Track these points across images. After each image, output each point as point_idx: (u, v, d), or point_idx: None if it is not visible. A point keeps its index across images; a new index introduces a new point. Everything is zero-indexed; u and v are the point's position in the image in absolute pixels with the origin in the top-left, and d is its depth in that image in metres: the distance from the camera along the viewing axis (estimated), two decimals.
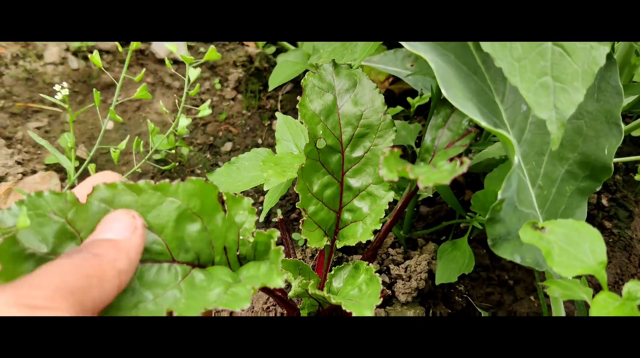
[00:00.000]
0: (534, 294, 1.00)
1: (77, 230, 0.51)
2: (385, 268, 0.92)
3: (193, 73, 0.80)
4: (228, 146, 1.24)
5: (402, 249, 0.95)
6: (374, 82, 0.68)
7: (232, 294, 0.53)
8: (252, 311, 0.87)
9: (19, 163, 1.08)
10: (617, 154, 1.10)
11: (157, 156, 1.17)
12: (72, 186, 1.05)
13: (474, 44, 0.55)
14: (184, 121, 0.74)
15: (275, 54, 1.39)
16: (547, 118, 0.46)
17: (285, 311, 0.81)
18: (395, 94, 1.28)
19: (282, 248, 0.56)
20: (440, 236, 1.04)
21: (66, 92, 0.75)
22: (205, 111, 0.74)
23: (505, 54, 0.48)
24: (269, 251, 0.59)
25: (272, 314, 0.85)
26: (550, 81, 0.47)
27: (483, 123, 0.46)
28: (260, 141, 1.25)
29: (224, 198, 0.59)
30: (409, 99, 1.07)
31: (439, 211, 1.06)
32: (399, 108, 1.09)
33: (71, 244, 0.51)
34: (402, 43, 0.51)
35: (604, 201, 1.12)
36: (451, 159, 0.48)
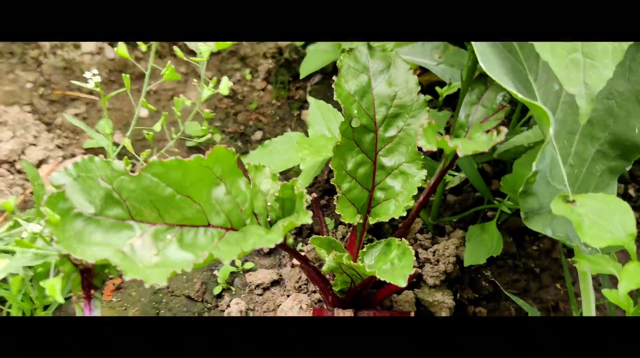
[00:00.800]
0: (560, 282, 1.01)
1: (123, 198, 0.54)
2: (414, 251, 0.94)
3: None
4: (258, 134, 1.27)
5: (430, 235, 0.97)
6: None
7: (266, 239, 0.56)
8: (285, 290, 0.89)
9: (59, 147, 1.12)
10: None
11: (190, 144, 1.21)
12: None
13: None
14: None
15: (304, 46, 1.41)
16: (577, 93, 0.48)
17: (317, 288, 0.83)
18: (424, 85, 1.29)
19: (305, 191, 0.58)
20: (467, 224, 1.05)
21: (98, 79, 0.78)
22: (225, 89, 0.77)
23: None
24: (294, 206, 0.62)
25: (303, 292, 0.87)
26: (581, 57, 0.49)
27: (519, 95, 0.48)
28: (289, 131, 1.28)
29: (246, 166, 0.62)
30: (437, 88, 1.08)
31: (466, 200, 1.08)
32: (428, 97, 1.11)
33: (116, 209, 0.54)
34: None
35: (631, 192, 1.12)
36: (487, 132, 0.50)
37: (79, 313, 0.54)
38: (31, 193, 1.02)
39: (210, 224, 0.58)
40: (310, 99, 0.87)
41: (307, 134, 0.91)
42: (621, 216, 0.50)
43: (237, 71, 1.37)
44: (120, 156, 1.10)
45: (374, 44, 0.71)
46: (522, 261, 1.03)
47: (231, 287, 0.92)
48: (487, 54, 0.50)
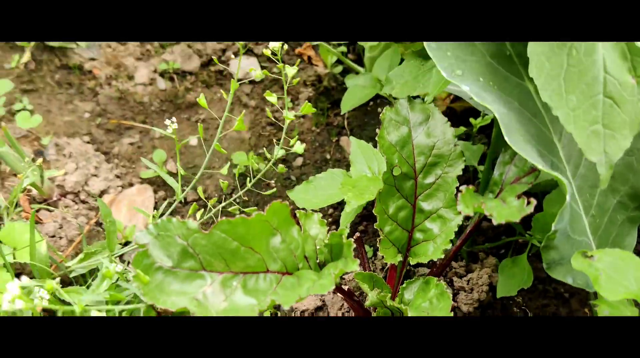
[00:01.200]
0: (588, 307, 1.06)
1: (197, 252, 0.62)
2: (448, 280, 1.00)
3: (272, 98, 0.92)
4: (299, 160, 1.35)
5: (464, 262, 1.03)
6: (436, 99, 0.77)
7: (319, 285, 0.63)
8: (328, 316, 0.97)
9: (117, 176, 1.22)
10: None
11: (236, 171, 1.29)
12: (180, 202, 1.17)
13: (535, 91, 0.63)
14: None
15: (342, 73, 1.48)
16: (597, 161, 0.54)
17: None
18: (457, 111, 1.35)
19: (352, 240, 0.65)
20: (500, 249, 1.11)
21: (175, 126, 0.87)
22: (298, 148, 0.84)
23: (561, 104, 0.56)
24: (342, 252, 0.69)
25: None
26: (601, 128, 0.54)
27: (540, 166, 0.54)
28: (328, 156, 1.35)
29: (297, 214, 0.70)
30: (471, 119, 1.14)
31: (499, 227, 1.13)
32: (462, 129, 1.17)
33: (190, 261, 0.63)
34: (464, 89, 0.60)
35: None
36: (519, 196, 0.56)
37: None
38: (95, 223, 1.11)
39: (269, 270, 0.66)
40: (352, 138, 0.94)
41: (345, 168, 0.98)
42: (635, 272, 0.55)
43: (279, 99, 1.44)
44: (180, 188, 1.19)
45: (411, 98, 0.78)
46: (552, 287, 1.08)
47: (278, 312, 1.00)
48: (511, 125, 0.56)
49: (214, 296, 0.61)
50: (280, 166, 0.89)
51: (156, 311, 0.60)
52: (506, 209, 0.54)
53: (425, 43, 0.60)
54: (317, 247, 0.71)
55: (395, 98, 1.03)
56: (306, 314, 0.99)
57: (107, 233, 0.92)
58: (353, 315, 0.94)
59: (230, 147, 1.35)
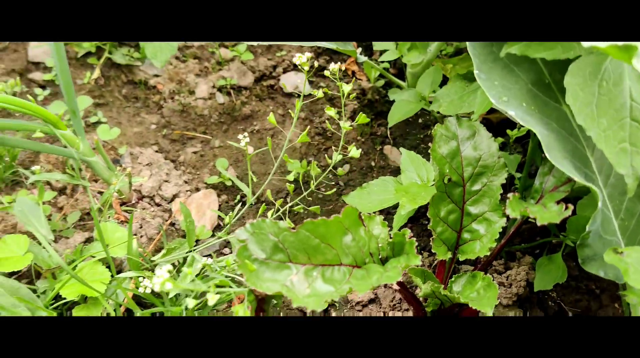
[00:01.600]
0: (618, 302, 1.16)
1: (285, 247, 0.75)
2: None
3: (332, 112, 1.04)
4: (346, 167, 1.47)
5: (503, 261, 1.14)
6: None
7: (386, 276, 0.75)
8: (380, 307, 1.08)
9: (186, 182, 1.35)
10: None
11: (290, 177, 1.41)
12: (243, 204, 1.31)
13: (571, 114, 0.74)
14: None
15: (384, 87, 1.60)
16: (625, 174, 0.65)
17: (411, 308, 1.02)
18: (493, 122, 1.46)
19: (415, 239, 0.77)
20: (535, 249, 1.22)
21: (247, 140, 0.99)
22: (355, 153, 0.96)
23: (594, 126, 0.67)
24: (403, 249, 0.81)
25: (397, 310, 1.06)
26: (628, 146, 0.65)
27: (576, 178, 0.66)
28: (373, 164, 1.47)
29: (362, 216, 0.82)
30: (508, 131, 1.25)
31: (534, 228, 1.24)
32: (499, 139, 1.28)
33: (280, 254, 0.75)
34: (510, 114, 0.71)
35: None
36: (557, 202, 0.67)
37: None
38: (170, 223, 1.24)
39: (342, 263, 0.78)
40: (402, 150, 1.06)
41: (389, 174, 1.10)
42: None
43: (327, 111, 1.57)
44: (230, 190, 1.32)
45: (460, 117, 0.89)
46: (584, 283, 1.19)
47: (335, 303, 1.12)
48: (550, 143, 0.67)
49: (299, 284, 0.73)
50: (340, 169, 1.01)
51: (255, 295, 0.73)
52: (547, 213, 0.64)
53: (475, 73, 0.71)
54: (380, 245, 0.83)
55: (438, 113, 1.15)
56: (359, 306, 1.11)
57: (188, 231, 1.05)
58: (404, 306, 1.06)
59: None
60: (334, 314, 1.10)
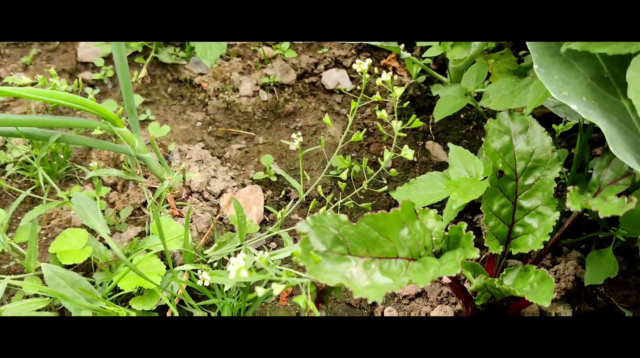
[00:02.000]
0: None
1: (345, 240, 0.77)
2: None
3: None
4: (388, 163, 1.48)
5: (550, 255, 1.14)
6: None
7: (444, 269, 0.76)
8: (427, 301, 1.10)
9: (232, 178, 1.38)
10: None
11: (333, 172, 1.43)
12: (286, 199, 1.33)
13: (631, 107, 0.74)
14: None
15: (425, 82, 1.61)
16: None
17: (460, 301, 1.03)
18: (536, 117, 1.46)
19: (472, 233, 0.78)
20: (580, 244, 1.21)
21: (300, 139, 1.01)
22: (408, 154, 0.97)
23: None
24: (459, 242, 0.82)
25: (445, 303, 1.07)
26: None
27: (639, 170, 0.66)
28: (415, 159, 1.48)
29: (417, 211, 0.83)
30: (554, 126, 1.25)
31: (580, 223, 1.24)
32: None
33: (339, 247, 0.77)
34: (572, 107, 0.72)
35: None
36: (618, 195, 0.68)
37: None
38: (219, 218, 1.27)
39: (399, 256, 0.79)
40: (450, 145, 1.07)
41: (431, 169, 1.11)
42: None
43: (367, 107, 1.58)
44: (274, 186, 1.34)
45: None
46: (632, 279, 1.18)
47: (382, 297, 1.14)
48: (613, 137, 0.68)
49: (359, 276, 0.75)
50: (393, 170, 1.02)
51: (316, 286, 0.75)
52: (609, 206, 0.65)
53: (535, 68, 0.72)
54: (434, 238, 0.84)
55: (483, 108, 1.15)
56: (406, 300, 1.12)
57: (239, 226, 1.08)
58: (452, 300, 1.07)
59: (325, 151, 1.49)
60: (380, 306, 1.12)
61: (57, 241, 1.06)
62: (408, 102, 1.06)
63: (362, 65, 0.90)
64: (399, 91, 1.01)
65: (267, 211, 1.34)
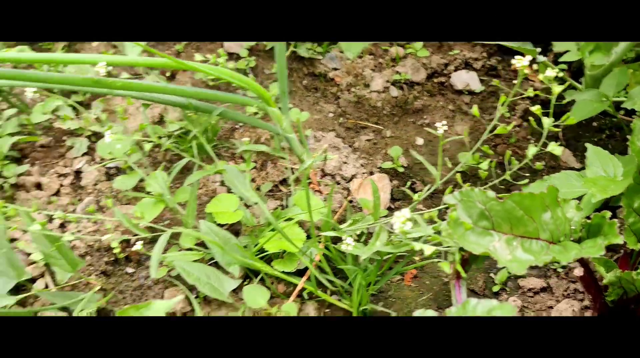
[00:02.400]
0: None
1: (491, 215, 0.82)
2: None
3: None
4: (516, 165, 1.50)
5: None
6: None
7: (587, 250, 0.79)
8: (553, 296, 1.12)
9: (362, 165, 1.46)
10: None
11: (483, 165, 1.47)
12: (413, 189, 1.39)
13: None
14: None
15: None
16: None
17: (589, 296, 1.04)
18: None
19: (616, 221, 0.80)
20: None
21: (445, 127, 1.06)
22: (557, 150, 1.00)
23: None
24: (600, 230, 0.85)
25: (572, 298, 1.09)
26: None
27: None
28: (543, 163, 1.49)
29: (559, 199, 0.86)
30: None
31: None
32: None
33: (484, 222, 0.82)
34: None
35: None
36: None
37: (452, 290, 0.83)
38: (349, 201, 1.36)
39: (540, 238, 0.84)
40: (588, 145, 1.09)
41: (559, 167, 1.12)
42: None
43: (495, 109, 1.61)
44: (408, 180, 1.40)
45: None
46: None
47: (506, 288, 1.17)
48: None
49: (502, 250, 0.80)
50: (538, 163, 1.06)
51: (462, 254, 0.81)
52: None
53: None
54: (572, 227, 0.87)
55: (621, 116, 1.15)
56: (531, 293, 1.14)
57: (374, 205, 1.16)
58: (579, 296, 1.08)
59: (452, 148, 1.54)
60: (504, 296, 1.15)
61: (212, 203, 1.19)
62: (538, 106, 1.09)
63: (522, 60, 0.94)
64: (558, 88, 1.04)
65: (393, 200, 1.41)
